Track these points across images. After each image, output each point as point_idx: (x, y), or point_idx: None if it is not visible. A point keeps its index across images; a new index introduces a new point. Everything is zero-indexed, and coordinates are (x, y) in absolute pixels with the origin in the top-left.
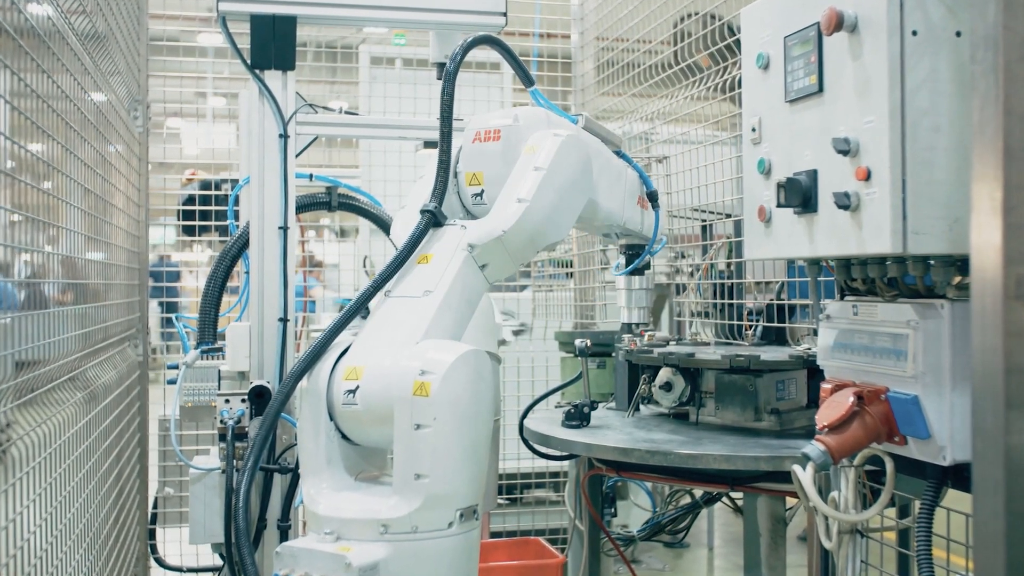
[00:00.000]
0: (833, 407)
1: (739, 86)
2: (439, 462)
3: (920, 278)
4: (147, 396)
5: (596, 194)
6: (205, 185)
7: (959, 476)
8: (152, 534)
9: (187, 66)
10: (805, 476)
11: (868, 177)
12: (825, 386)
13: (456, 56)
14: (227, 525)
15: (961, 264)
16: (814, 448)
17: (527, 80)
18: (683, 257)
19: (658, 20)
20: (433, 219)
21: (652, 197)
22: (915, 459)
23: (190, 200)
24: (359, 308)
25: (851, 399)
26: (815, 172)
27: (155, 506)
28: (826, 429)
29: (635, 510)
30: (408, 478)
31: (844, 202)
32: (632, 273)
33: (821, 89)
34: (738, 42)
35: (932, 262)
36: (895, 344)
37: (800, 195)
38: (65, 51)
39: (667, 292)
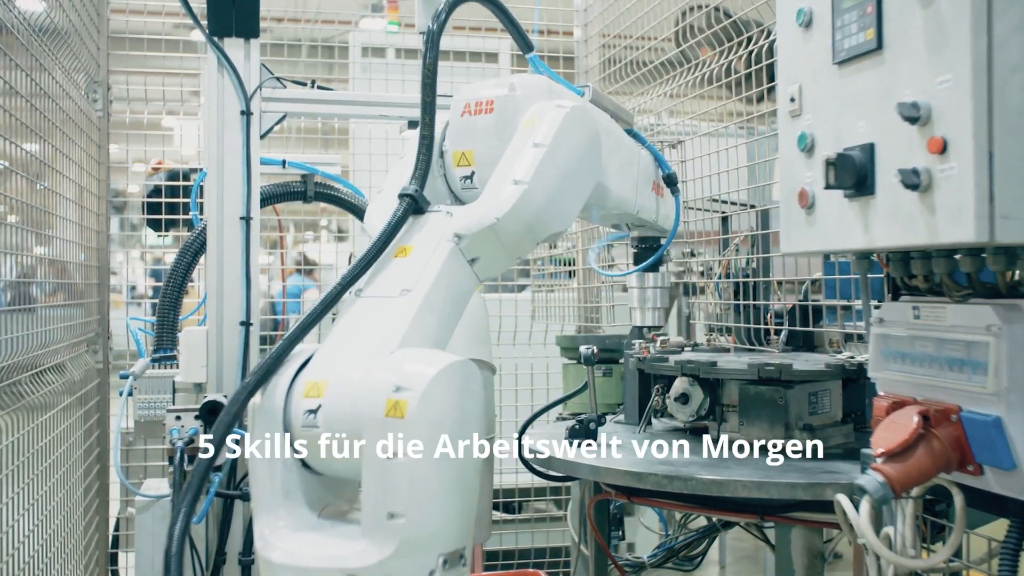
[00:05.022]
0: (893, 429)
1: (735, 72)
2: (417, 498)
3: (1001, 274)
4: (108, 407)
5: (606, 177)
6: (173, 175)
7: None
8: (114, 559)
9: (185, 63)
10: (862, 515)
11: (943, 149)
12: (880, 403)
13: (440, 15)
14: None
15: None
16: (871, 479)
17: (526, 46)
18: (694, 255)
19: (660, 12)
20: (413, 204)
21: (670, 181)
22: (992, 493)
23: (156, 192)
24: (324, 311)
25: (916, 419)
26: (871, 146)
27: (117, 528)
28: (884, 456)
29: (642, 529)
30: (379, 517)
31: (912, 181)
32: (647, 270)
33: (880, 46)
34: (735, 24)
35: (1020, 254)
36: (970, 354)
37: (853, 174)
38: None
39: (676, 292)
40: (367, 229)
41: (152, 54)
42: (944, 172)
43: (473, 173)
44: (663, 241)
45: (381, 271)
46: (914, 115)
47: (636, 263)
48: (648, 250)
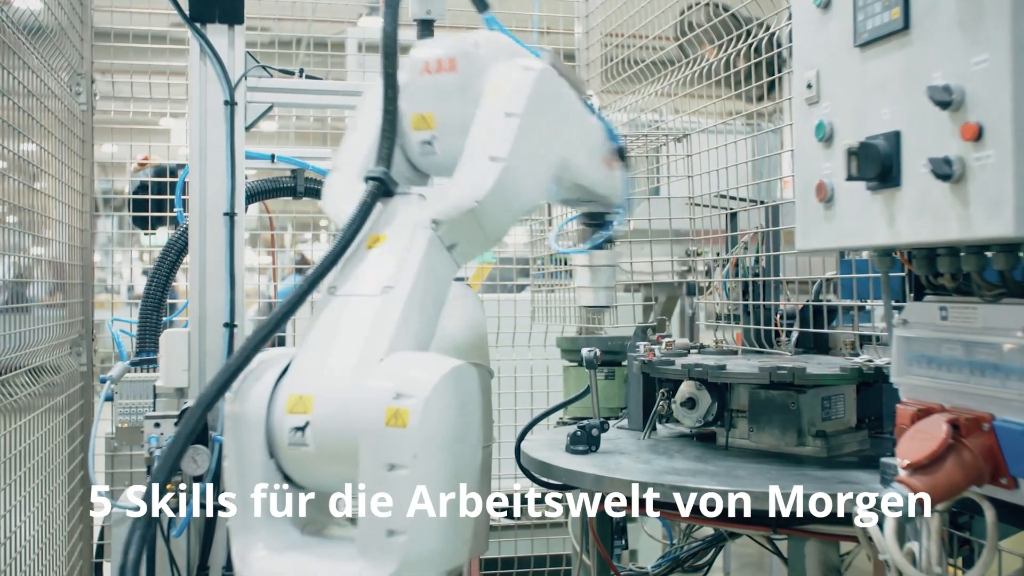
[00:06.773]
0: (919, 439)
1: (734, 66)
2: (419, 513)
3: None
4: (92, 411)
5: (569, 147)
6: (159, 171)
7: None
8: (99, 568)
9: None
10: (887, 532)
11: (979, 136)
12: (904, 410)
13: None
14: None
15: None
16: (897, 493)
17: (481, 3)
18: (699, 254)
19: (661, 7)
20: (382, 188)
21: (621, 154)
22: None
23: (142, 188)
24: (290, 312)
25: (945, 428)
26: (897, 134)
27: (101, 536)
28: (911, 468)
29: (645, 536)
30: (378, 535)
31: (944, 170)
32: (599, 247)
33: (907, 25)
34: (734, 19)
35: None
36: (1003, 358)
37: (877, 164)
38: None
39: (678, 292)
40: (327, 212)
41: (141, 46)
42: (980, 161)
43: (434, 138)
44: (610, 217)
45: (355, 264)
46: (946, 99)
47: (593, 237)
48: (598, 227)
